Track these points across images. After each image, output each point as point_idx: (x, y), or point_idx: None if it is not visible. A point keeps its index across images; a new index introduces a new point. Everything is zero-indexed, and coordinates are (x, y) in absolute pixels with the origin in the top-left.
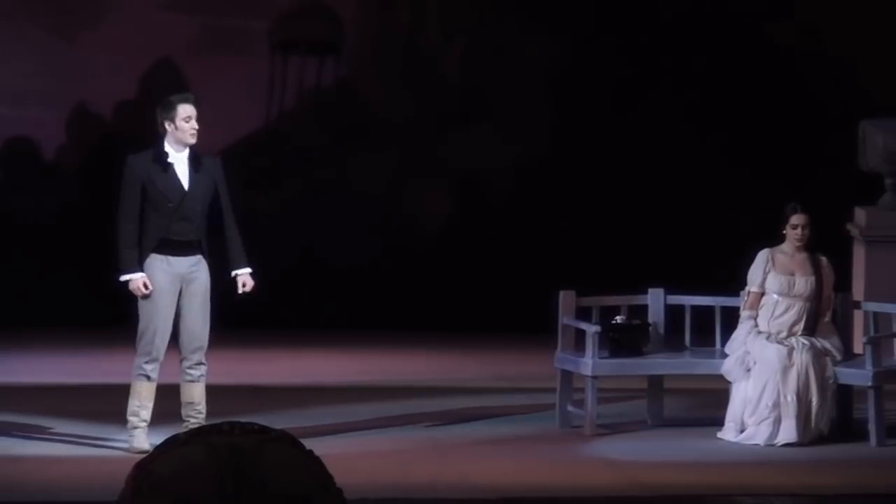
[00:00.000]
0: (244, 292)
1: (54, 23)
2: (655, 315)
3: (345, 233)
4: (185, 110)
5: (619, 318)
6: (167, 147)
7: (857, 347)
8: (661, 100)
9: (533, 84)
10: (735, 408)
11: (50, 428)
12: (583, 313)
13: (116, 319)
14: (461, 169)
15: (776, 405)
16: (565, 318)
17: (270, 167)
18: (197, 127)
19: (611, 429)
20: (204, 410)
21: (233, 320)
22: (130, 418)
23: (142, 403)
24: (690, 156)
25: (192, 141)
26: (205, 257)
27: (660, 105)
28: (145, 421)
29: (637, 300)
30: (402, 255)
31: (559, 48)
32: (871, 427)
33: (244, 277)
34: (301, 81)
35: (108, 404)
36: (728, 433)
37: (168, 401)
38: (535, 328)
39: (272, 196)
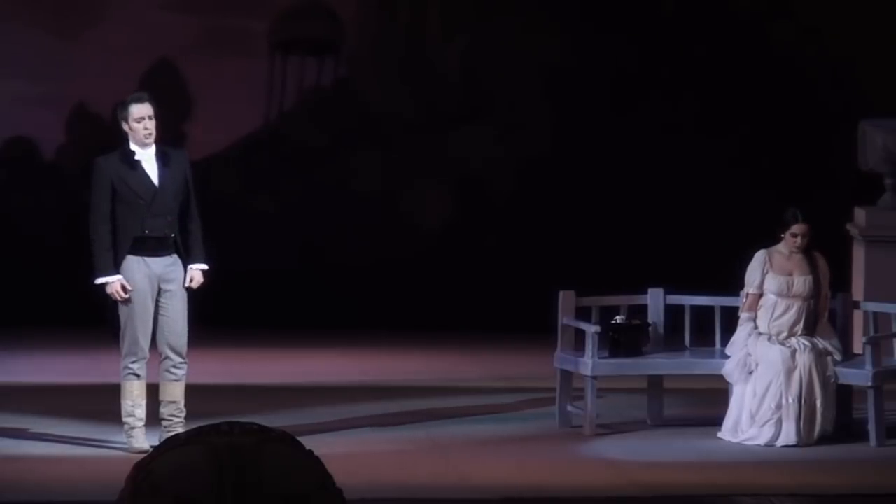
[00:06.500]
0: (189, 287)
1: (54, 23)
2: (655, 315)
3: (344, 233)
4: (138, 111)
5: (618, 318)
6: (132, 146)
7: (857, 347)
8: (660, 100)
9: (533, 83)
10: (735, 409)
11: (49, 428)
12: (583, 313)
13: (116, 319)
14: (461, 169)
15: (779, 407)
16: (565, 318)
17: (270, 167)
18: (150, 127)
19: (611, 429)
20: (184, 409)
21: (232, 320)
22: (127, 419)
23: (135, 402)
24: (690, 156)
25: (148, 141)
26: (180, 256)
27: (660, 105)
28: (142, 420)
29: (637, 300)
30: (402, 255)
31: (559, 48)
32: (871, 427)
33: (194, 272)
34: (301, 81)
35: (107, 404)
36: (728, 433)
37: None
38: (535, 328)
39: (271, 196)
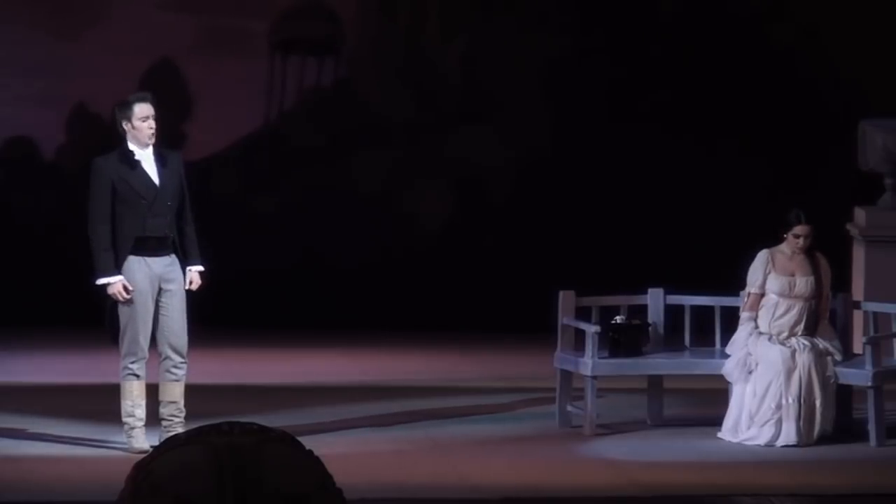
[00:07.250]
0: (189, 289)
1: (55, 23)
2: (655, 315)
3: (344, 233)
4: (142, 110)
5: (618, 318)
6: (131, 146)
7: (857, 347)
8: (660, 100)
9: (533, 84)
10: (735, 409)
11: (49, 428)
12: (583, 313)
13: (115, 319)
14: (461, 169)
15: (779, 407)
16: (565, 318)
17: (270, 167)
18: (154, 126)
19: (610, 429)
20: (184, 409)
21: (232, 320)
22: (127, 419)
23: (135, 402)
24: (690, 156)
25: (151, 141)
26: (178, 256)
27: (659, 105)
28: (142, 420)
29: (637, 300)
30: (401, 255)
31: (559, 48)
32: (871, 427)
33: (194, 275)
34: (301, 81)
35: (107, 404)
36: (728, 433)
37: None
38: (535, 328)
39: (271, 196)
